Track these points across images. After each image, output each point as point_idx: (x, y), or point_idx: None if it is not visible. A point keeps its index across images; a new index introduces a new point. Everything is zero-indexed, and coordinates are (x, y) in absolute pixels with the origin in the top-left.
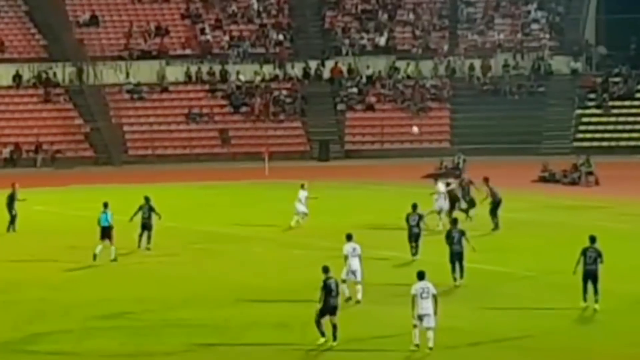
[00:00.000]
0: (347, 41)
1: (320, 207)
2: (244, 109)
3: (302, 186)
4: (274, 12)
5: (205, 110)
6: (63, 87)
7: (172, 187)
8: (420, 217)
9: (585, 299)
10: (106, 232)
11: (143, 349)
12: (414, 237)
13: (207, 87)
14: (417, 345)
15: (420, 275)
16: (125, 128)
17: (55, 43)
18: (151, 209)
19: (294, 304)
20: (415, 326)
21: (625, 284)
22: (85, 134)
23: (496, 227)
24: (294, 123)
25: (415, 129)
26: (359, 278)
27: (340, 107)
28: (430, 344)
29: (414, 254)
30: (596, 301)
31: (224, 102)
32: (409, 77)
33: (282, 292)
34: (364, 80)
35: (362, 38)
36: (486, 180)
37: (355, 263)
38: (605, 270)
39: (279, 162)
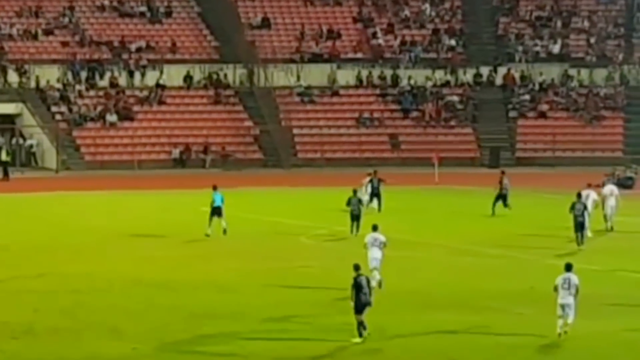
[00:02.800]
0: (520, 48)
1: (488, 214)
2: (414, 114)
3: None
4: (447, 17)
5: (375, 115)
6: (233, 88)
7: (340, 191)
8: (585, 207)
9: None
10: (217, 211)
11: (310, 352)
12: (579, 226)
13: (377, 91)
14: (559, 335)
15: (568, 267)
16: (295, 131)
17: (226, 45)
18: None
19: (461, 311)
20: (559, 316)
21: None
22: (255, 136)
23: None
24: (465, 129)
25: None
26: (376, 265)
27: (512, 114)
28: (565, 329)
29: (579, 243)
30: None
31: (394, 106)
32: (582, 85)
33: (448, 299)
34: (536, 87)
35: (535, 45)
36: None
37: (375, 252)
38: None
39: (449, 168)
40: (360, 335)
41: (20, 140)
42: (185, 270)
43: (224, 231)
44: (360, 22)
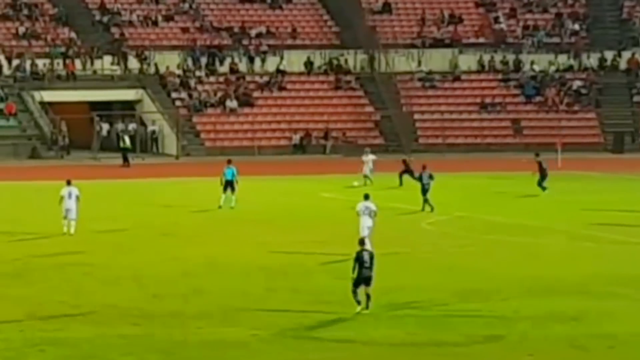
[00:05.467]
0: None
1: (612, 200)
2: (537, 99)
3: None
4: (570, 1)
5: (497, 100)
6: (354, 74)
7: (462, 176)
8: None
9: None
10: (230, 184)
11: (431, 338)
12: None
13: (500, 76)
14: None
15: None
16: (416, 116)
17: (347, 30)
18: None
19: (584, 297)
20: None
21: None
22: (376, 121)
23: None
24: (588, 114)
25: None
26: (366, 233)
27: (636, 98)
28: None
29: None
30: None
31: (516, 91)
32: None
33: (571, 285)
34: None
35: None
36: None
37: (366, 220)
38: None
39: (572, 153)
40: (359, 303)
41: (141, 127)
42: (303, 256)
43: (220, 206)
44: (482, 7)
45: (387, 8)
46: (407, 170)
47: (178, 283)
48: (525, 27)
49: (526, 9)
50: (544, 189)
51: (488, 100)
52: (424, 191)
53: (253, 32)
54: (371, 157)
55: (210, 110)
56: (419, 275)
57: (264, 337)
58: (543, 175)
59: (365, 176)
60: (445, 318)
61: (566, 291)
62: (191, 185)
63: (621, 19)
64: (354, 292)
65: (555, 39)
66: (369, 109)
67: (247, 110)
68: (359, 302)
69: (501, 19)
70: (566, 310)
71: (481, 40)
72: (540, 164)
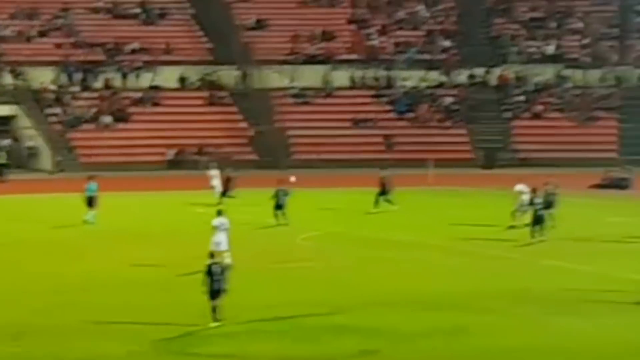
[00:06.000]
0: (514, 49)
1: (483, 215)
2: (409, 115)
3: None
4: (441, 18)
5: (370, 116)
6: (228, 90)
7: (336, 192)
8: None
9: None
10: (91, 200)
11: (307, 353)
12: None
13: (372, 92)
14: None
15: None
16: (290, 132)
17: (221, 46)
18: None
19: (462, 312)
20: None
21: None
22: (250, 137)
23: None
24: (459, 130)
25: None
26: (222, 248)
27: (506, 115)
28: None
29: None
30: None
31: (389, 107)
32: (576, 86)
33: (448, 300)
34: (531, 88)
35: (530, 46)
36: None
37: (220, 236)
38: None
39: (444, 169)
40: (216, 320)
41: (17, 143)
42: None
43: (85, 221)
44: (355, 24)
45: (260, 24)
46: (384, 192)
47: (54, 299)
48: (397, 44)
49: (398, 26)
50: (389, 202)
51: (361, 116)
52: (279, 206)
53: (127, 48)
54: (214, 172)
55: (85, 126)
56: (295, 289)
57: (140, 351)
58: (384, 191)
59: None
60: (321, 332)
61: (443, 306)
62: (65, 201)
63: (491, 36)
64: (213, 308)
65: (427, 56)
66: (243, 124)
67: (121, 125)
68: (218, 313)
69: (373, 36)
70: (442, 325)
71: (354, 56)
72: (382, 179)
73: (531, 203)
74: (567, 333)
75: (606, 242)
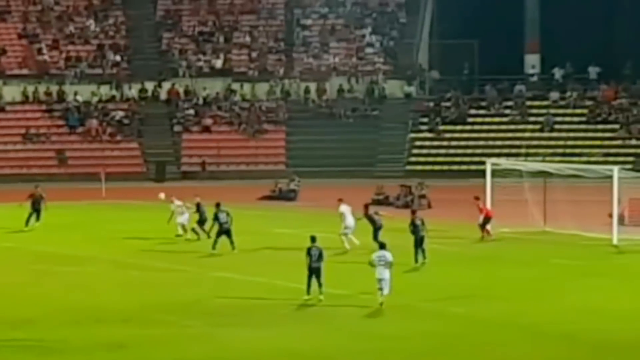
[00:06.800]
0: (184, 63)
1: (154, 228)
2: (80, 129)
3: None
4: (111, 33)
5: (42, 130)
6: None
7: (8, 207)
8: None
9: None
10: None
11: None
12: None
13: (44, 107)
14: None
15: (382, 246)
16: None
17: None
18: None
19: (131, 325)
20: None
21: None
22: None
23: None
24: (131, 144)
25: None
26: None
27: (176, 128)
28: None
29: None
30: (320, 293)
31: (60, 122)
32: (245, 99)
33: (119, 313)
34: (200, 101)
35: (199, 60)
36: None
37: None
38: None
39: (116, 182)
40: None
41: None
42: None
43: None
44: (26, 38)
45: None
46: (36, 209)
47: None
48: (68, 59)
49: (68, 40)
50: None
51: (33, 130)
52: None
53: None
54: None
55: None
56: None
57: None
58: (36, 209)
59: None
60: None
61: (113, 320)
62: None
63: (160, 50)
64: None
65: (98, 70)
66: None
67: None
68: None
69: (44, 50)
70: (112, 339)
71: (25, 71)
72: (32, 195)
73: (215, 218)
74: (230, 344)
75: (274, 252)
